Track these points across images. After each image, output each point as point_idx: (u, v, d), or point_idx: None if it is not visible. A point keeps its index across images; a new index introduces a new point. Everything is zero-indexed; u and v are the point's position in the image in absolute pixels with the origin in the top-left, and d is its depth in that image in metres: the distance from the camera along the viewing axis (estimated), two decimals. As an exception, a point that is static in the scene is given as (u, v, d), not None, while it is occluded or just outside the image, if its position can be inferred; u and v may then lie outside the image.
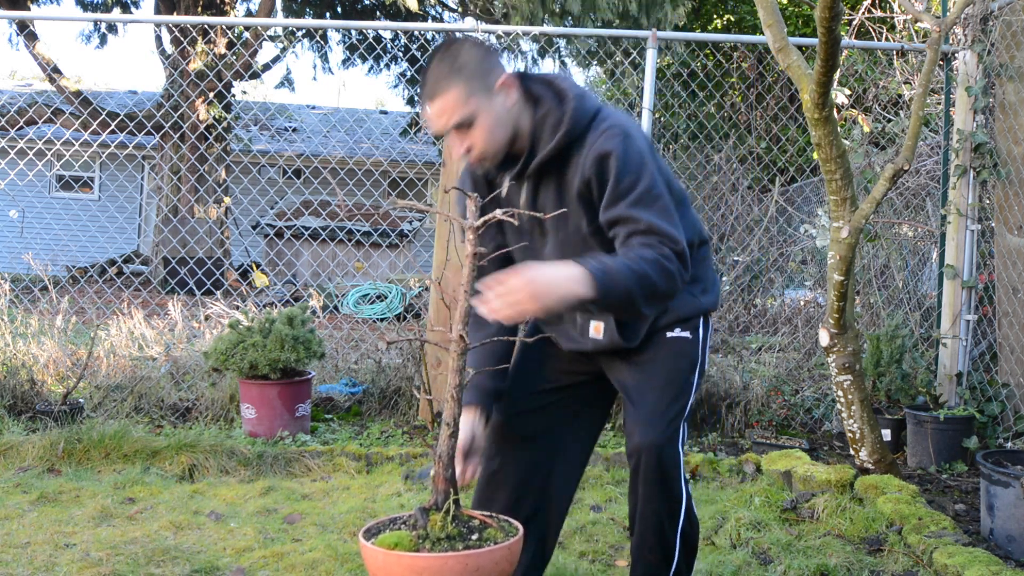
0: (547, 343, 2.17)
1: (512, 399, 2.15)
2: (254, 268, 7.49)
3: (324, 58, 17.86)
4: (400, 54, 14.95)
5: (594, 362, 2.17)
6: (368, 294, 9.72)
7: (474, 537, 1.75)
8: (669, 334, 2.07)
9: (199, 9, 12.73)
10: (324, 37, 14.36)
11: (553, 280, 1.76)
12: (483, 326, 2.03)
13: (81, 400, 4.40)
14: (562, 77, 2.03)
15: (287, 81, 15.25)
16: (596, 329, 2.06)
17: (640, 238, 1.86)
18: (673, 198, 1.96)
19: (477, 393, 2.06)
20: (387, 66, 15.29)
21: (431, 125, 1.92)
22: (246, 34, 12.32)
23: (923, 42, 4.94)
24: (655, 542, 2.07)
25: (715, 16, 12.85)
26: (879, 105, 5.98)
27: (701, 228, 2.13)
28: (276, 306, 5.66)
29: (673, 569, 2.09)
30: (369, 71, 15.93)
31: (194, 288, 6.37)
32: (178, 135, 11.28)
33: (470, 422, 2.02)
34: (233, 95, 12.99)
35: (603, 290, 1.77)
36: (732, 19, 12.72)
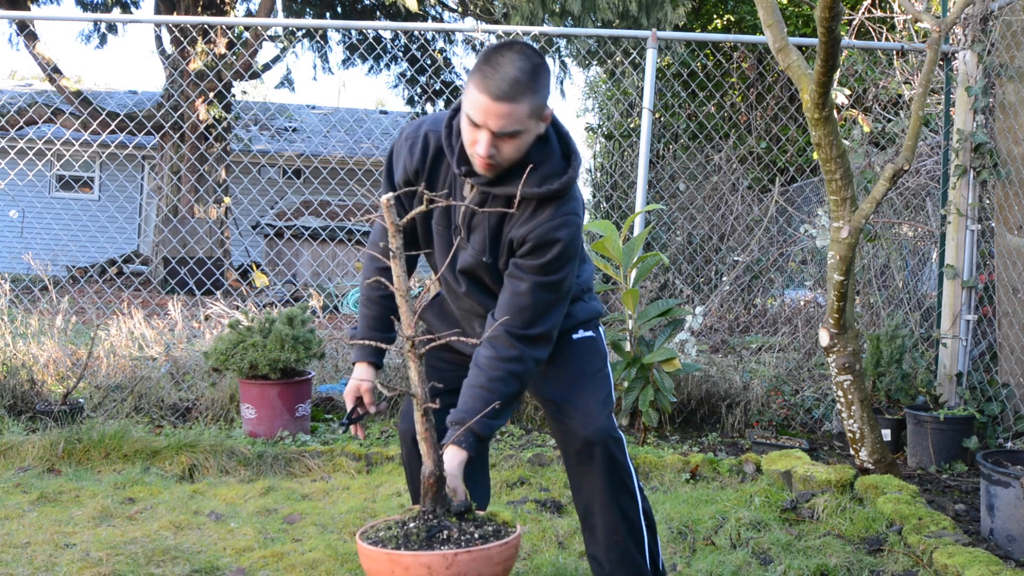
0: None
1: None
2: (254, 268, 7.50)
3: (324, 58, 17.86)
4: (400, 54, 14.96)
5: None
6: (368, 294, 9.68)
7: (477, 535, 1.76)
8: (575, 336, 2.25)
9: (199, 9, 12.73)
10: (324, 37, 14.37)
11: (456, 471, 1.94)
12: (375, 302, 2.27)
13: (81, 400, 4.40)
14: (572, 138, 2.13)
15: (287, 81, 15.26)
16: None
17: (507, 327, 2.02)
18: (573, 269, 2.12)
19: (369, 352, 2.29)
20: (387, 66, 15.30)
21: (479, 114, 1.90)
22: (246, 34, 12.33)
23: (923, 42, 4.94)
24: (624, 527, 2.15)
25: (715, 16, 12.85)
26: (879, 105, 5.98)
27: (591, 268, 2.39)
28: (276, 306, 5.66)
29: (647, 547, 2.20)
30: (369, 71, 15.94)
31: (194, 288, 6.37)
32: (178, 135, 11.29)
33: (367, 371, 2.30)
34: (233, 95, 12.99)
35: (482, 444, 2.02)
36: (732, 19, 12.72)
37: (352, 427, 2.31)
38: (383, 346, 2.06)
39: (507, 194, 2.02)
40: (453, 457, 1.94)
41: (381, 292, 2.24)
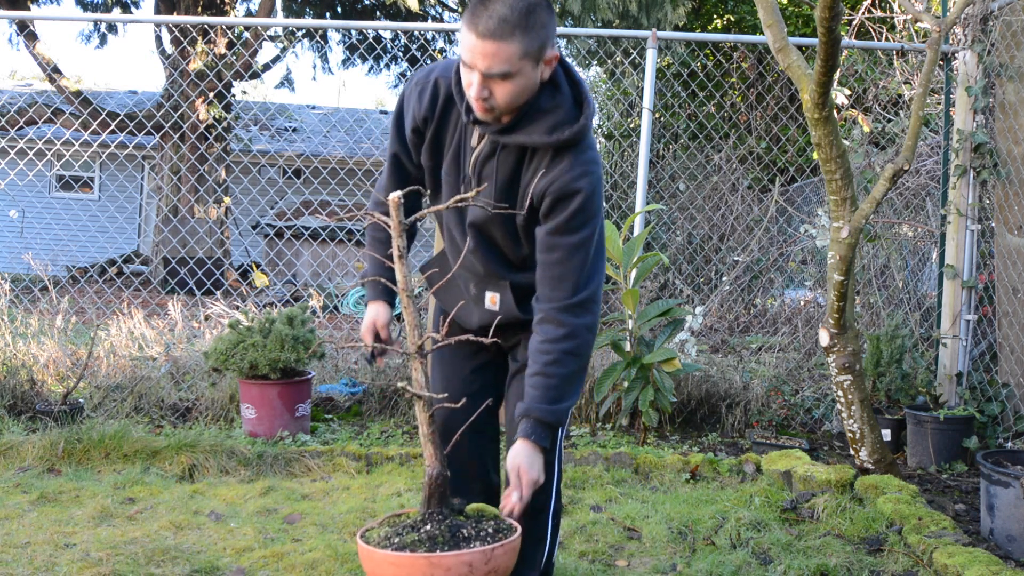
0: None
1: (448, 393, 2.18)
2: (254, 268, 7.50)
3: (324, 58, 17.89)
4: (400, 54, 14.95)
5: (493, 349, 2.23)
6: (368, 294, 9.69)
7: (481, 534, 1.76)
8: None
9: (199, 9, 12.73)
10: (324, 37, 14.36)
11: (537, 465, 1.95)
12: (381, 243, 2.20)
13: (81, 400, 4.40)
14: (585, 84, 2.05)
15: (287, 81, 15.26)
16: (492, 300, 2.13)
17: (553, 307, 1.98)
18: (599, 223, 2.05)
19: (381, 291, 2.26)
20: (387, 66, 15.30)
21: (468, 54, 1.84)
22: (246, 34, 12.32)
23: (923, 42, 4.94)
24: (533, 526, 2.12)
25: (715, 16, 12.85)
26: (879, 105, 5.98)
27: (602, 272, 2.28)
28: (276, 306, 5.66)
29: (548, 546, 2.19)
30: (369, 71, 15.94)
31: (194, 288, 6.37)
32: (178, 135, 11.28)
33: (382, 309, 2.25)
34: (233, 95, 12.99)
35: (554, 432, 2.00)
36: (732, 19, 12.71)
37: (377, 360, 2.30)
38: (393, 287, 1.98)
39: (516, 143, 1.96)
40: (521, 451, 1.92)
41: (387, 233, 2.17)
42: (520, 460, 1.92)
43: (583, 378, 2.03)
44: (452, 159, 2.07)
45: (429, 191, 2.19)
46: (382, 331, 2.24)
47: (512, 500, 1.91)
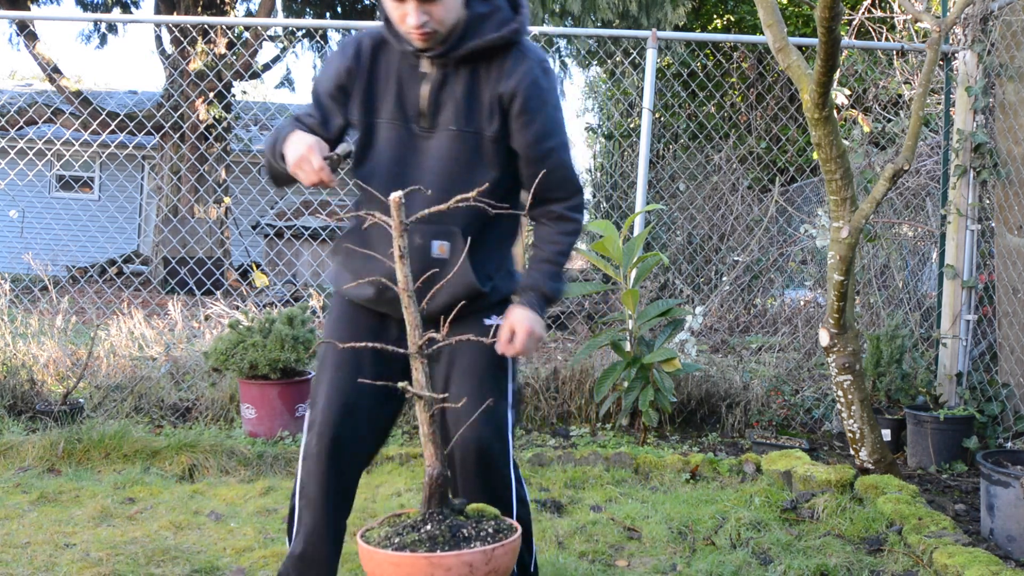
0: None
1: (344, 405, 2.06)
2: (254, 268, 7.49)
3: (324, 58, 17.86)
4: (400, 54, 14.92)
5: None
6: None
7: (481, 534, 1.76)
8: (487, 321, 2.08)
9: (199, 9, 12.73)
10: (324, 37, 14.36)
11: (540, 325, 2.02)
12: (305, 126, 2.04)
13: (81, 400, 4.40)
14: None
15: (287, 81, 15.26)
16: (441, 249, 2.03)
17: (564, 207, 2.06)
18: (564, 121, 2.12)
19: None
20: (387, 66, 15.27)
21: None
22: (246, 34, 12.32)
23: (923, 42, 4.94)
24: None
25: (715, 16, 12.85)
26: (879, 105, 5.98)
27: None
28: (276, 306, 5.65)
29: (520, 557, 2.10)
30: (369, 71, 15.92)
31: (194, 288, 6.36)
32: (178, 135, 11.28)
33: (312, 137, 1.94)
34: (233, 95, 12.98)
35: (553, 295, 2.06)
36: (732, 19, 12.72)
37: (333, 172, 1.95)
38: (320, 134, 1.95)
39: (470, 50, 1.99)
40: (527, 314, 1.99)
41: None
42: (528, 322, 1.98)
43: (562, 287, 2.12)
44: (395, 104, 2.04)
45: (358, 148, 2.08)
46: (322, 147, 1.92)
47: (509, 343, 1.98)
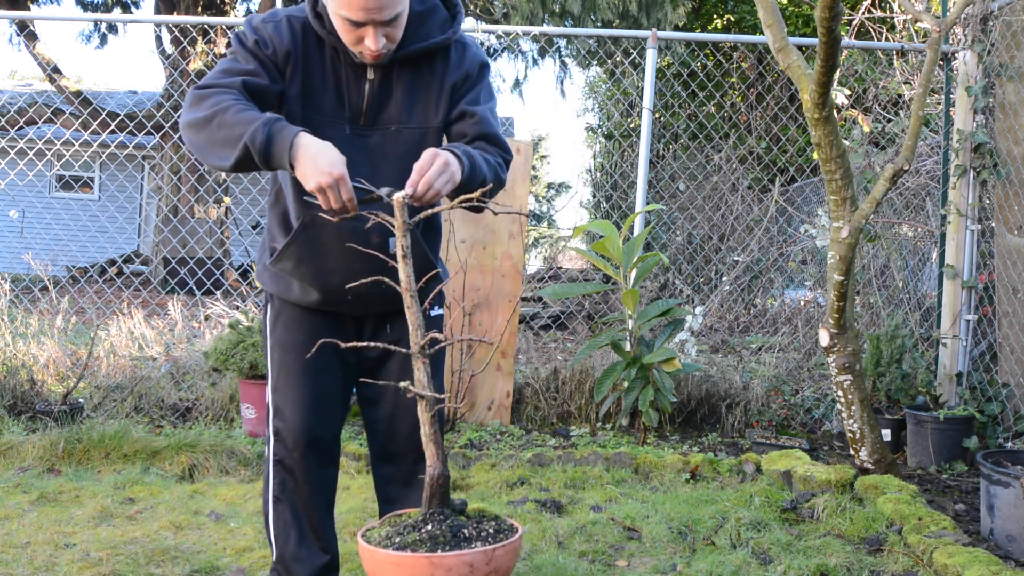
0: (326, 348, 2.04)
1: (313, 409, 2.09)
2: (254, 268, 7.49)
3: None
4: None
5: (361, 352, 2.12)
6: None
7: (482, 535, 1.76)
8: (433, 313, 2.15)
9: (199, 9, 12.74)
10: (324, 37, 14.35)
11: (455, 163, 1.84)
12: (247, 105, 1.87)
13: (81, 400, 4.40)
14: None
15: (287, 81, 15.24)
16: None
17: (487, 144, 2.04)
18: None
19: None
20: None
21: (360, 13, 1.82)
22: (246, 34, 12.31)
23: (923, 42, 4.94)
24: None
25: (715, 16, 12.85)
26: (879, 105, 5.98)
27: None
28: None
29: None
30: (369, 71, 15.91)
31: (194, 288, 6.36)
32: (178, 135, 11.27)
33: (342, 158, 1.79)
34: (233, 95, 12.96)
35: (469, 175, 1.87)
36: (732, 19, 12.72)
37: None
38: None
39: (416, 52, 1.99)
40: (438, 154, 1.80)
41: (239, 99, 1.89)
42: (445, 155, 1.81)
43: (482, 181, 1.92)
44: (335, 102, 1.99)
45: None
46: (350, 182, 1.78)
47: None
